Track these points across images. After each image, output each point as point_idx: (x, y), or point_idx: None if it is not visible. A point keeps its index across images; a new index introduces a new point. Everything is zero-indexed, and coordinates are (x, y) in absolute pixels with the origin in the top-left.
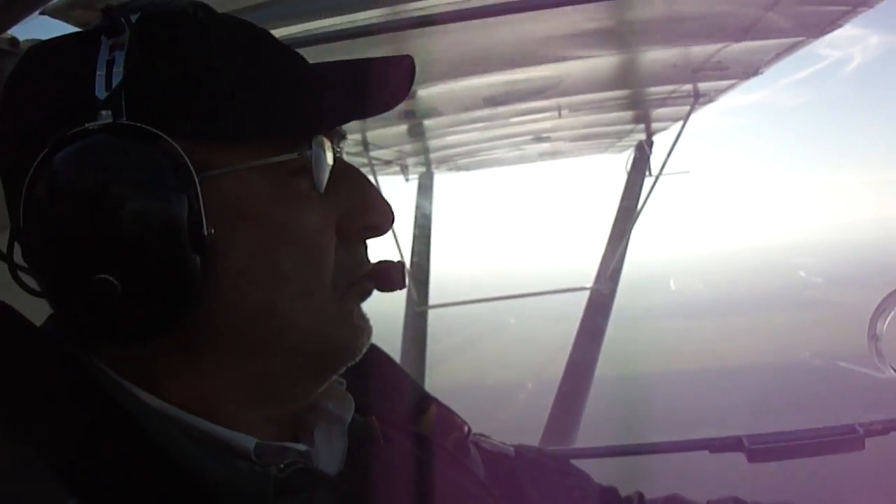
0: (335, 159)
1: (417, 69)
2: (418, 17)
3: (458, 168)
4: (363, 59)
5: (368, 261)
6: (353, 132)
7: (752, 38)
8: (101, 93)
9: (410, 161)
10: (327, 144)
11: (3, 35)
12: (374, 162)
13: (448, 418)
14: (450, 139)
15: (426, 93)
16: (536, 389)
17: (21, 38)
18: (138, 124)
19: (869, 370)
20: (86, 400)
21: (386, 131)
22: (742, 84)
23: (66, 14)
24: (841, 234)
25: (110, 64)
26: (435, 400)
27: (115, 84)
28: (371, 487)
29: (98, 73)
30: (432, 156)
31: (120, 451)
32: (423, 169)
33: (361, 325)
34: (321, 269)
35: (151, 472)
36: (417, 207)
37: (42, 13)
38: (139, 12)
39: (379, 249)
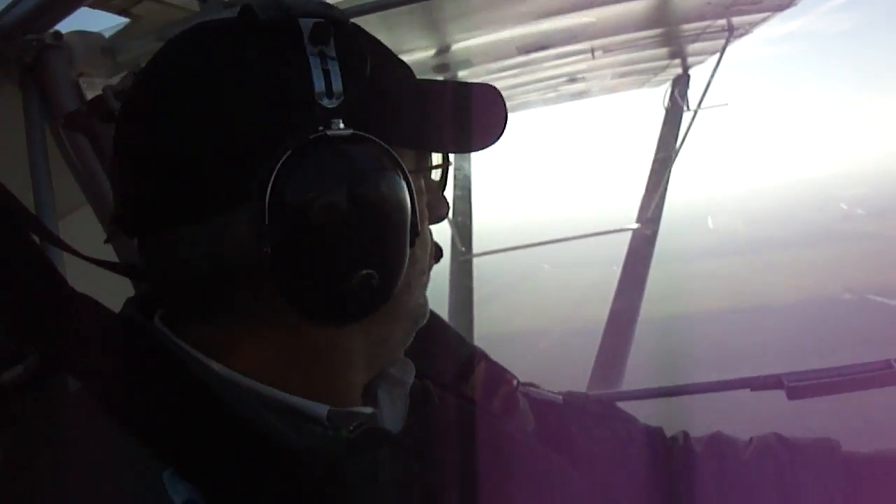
0: None
1: (447, 26)
2: None
3: None
4: (463, 87)
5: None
6: None
7: None
8: (324, 100)
9: None
10: None
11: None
12: None
13: (497, 373)
14: None
15: (459, 46)
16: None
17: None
18: (372, 137)
19: None
20: (173, 378)
21: None
22: (778, 15)
23: (103, 4)
24: (890, 163)
25: (327, 73)
26: (484, 356)
27: (334, 93)
28: (429, 444)
29: (316, 79)
30: None
31: (207, 423)
32: None
33: (426, 295)
34: (429, 252)
35: (236, 440)
36: (456, 157)
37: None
38: (327, 19)
39: None
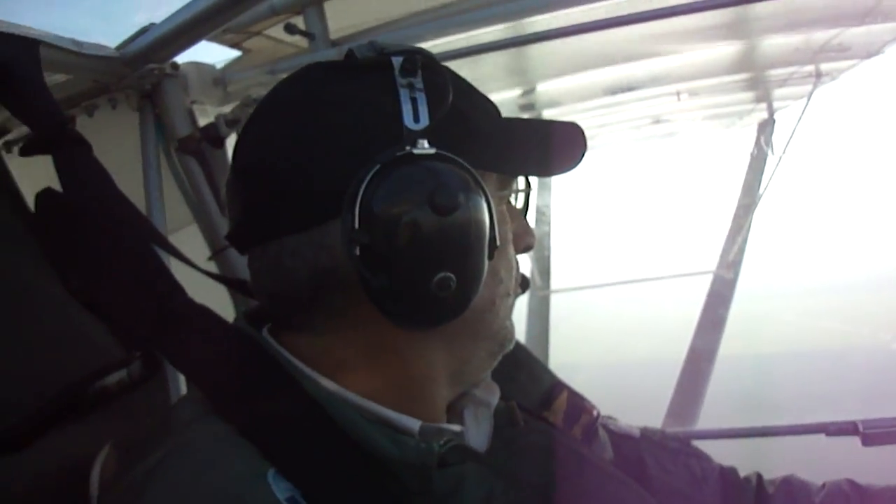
0: None
1: (534, 68)
2: (537, 32)
3: None
4: (544, 122)
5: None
6: None
7: (872, 22)
8: (410, 124)
9: None
10: None
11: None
12: None
13: (578, 403)
14: None
15: (546, 86)
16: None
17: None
18: (453, 156)
19: None
20: (280, 385)
21: None
22: (866, 62)
23: (218, 37)
24: None
25: (415, 101)
26: (566, 387)
27: (421, 117)
28: (514, 464)
29: (405, 105)
30: None
31: (307, 428)
32: None
33: (512, 322)
34: (514, 276)
35: (336, 446)
36: (538, 190)
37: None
38: (415, 55)
39: None
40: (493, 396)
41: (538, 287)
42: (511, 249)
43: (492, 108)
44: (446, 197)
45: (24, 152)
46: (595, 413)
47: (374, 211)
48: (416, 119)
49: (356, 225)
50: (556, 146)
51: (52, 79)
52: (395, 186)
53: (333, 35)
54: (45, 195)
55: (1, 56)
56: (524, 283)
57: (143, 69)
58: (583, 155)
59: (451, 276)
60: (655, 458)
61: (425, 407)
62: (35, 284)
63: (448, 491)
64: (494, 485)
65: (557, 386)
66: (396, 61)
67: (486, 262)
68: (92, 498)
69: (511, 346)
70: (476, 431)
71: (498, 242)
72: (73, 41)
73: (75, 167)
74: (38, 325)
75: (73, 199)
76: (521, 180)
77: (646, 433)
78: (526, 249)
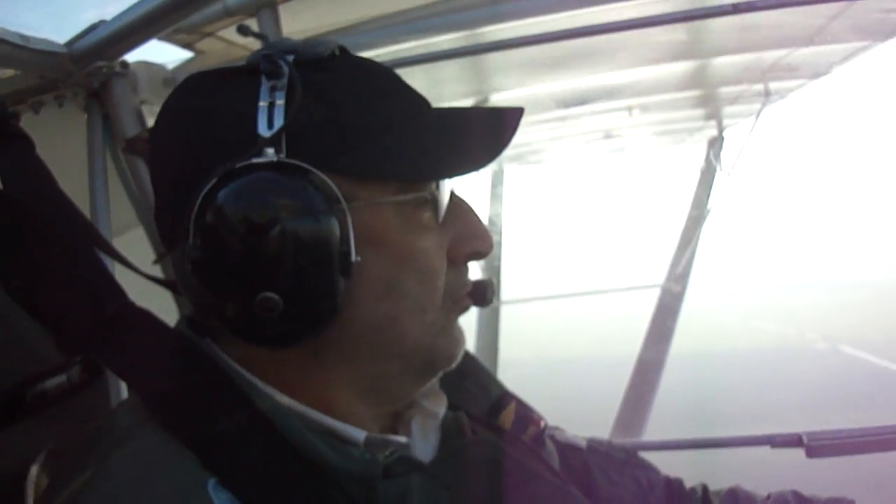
0: (450, 192)
1: (489, 78)
2: (492, 42)
3: (528, 163)
4: (475, 110)
5: (470, 280)
6: None
7: (820, 43)
8: (263, 131)
9: None
10: (448, 180)
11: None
12: None
13: (526, 414)
14: (520, 137)
15: (500, 97)
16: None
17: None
18: (299, 162)
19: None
20: (222, 393)
21: None
22: (813, 82)
23: (170, 37)
24: None
25: (271, 106)
26: (514, 397)
27: (276, 124)
28: (460, 475)
29: (260, 112)
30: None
31: (250, 438)
32: (494, 166)
33: (458, 338)
34: (435, 289)
35: (277, 454)
36: (490, 204)
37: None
38: (292, 55)
39: None
40: (440, 407)
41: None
42: (426, 261)
43: (398, 106)
44: (260, 212)
45: None
46: (542, 424)
47: (202, 225)
48: (270, 125)
49: (190, 239)
50: (473, 140)
51: None
52: (222, 200)
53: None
54: None
55: None
56: (478, 295)
57: (91, 66)
58: (501, 145)
59: (274, 296)
60: (602, 469)
61: (351, 418)
62: None
63: (393, 502)
64: (439, 496)
65: (505, 396)
66: (263, 65)
67: (335, 279)
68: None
69: (450, 364)
70: (423, 442)
71: (353, 257)
72: (21, 35)
73: (16, 164)
74: None
75: (13, 196)
76: (447, 184)
77: (592, 444)
78: (474, 256)
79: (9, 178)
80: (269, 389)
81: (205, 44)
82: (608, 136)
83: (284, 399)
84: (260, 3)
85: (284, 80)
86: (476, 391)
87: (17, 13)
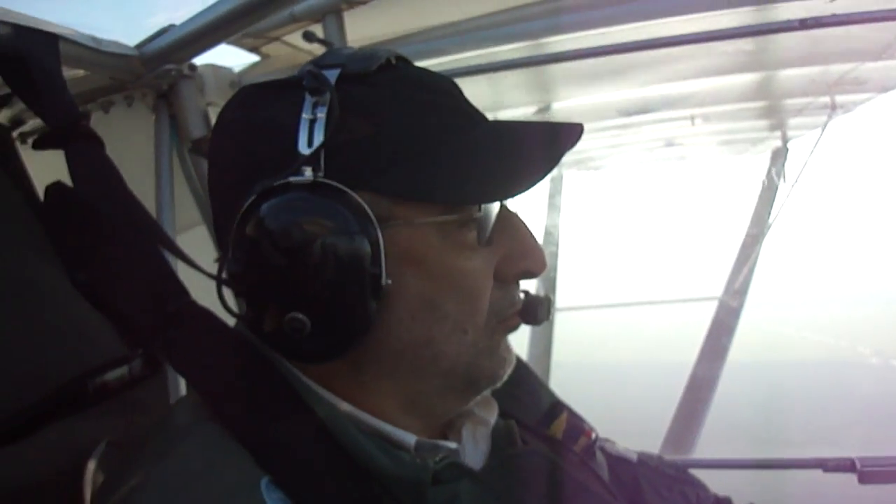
0: (500, 206)
1: (551, 87)
2: (555, 53)
3: (588, 169)
4: (530, 125)
5: (520, 299)
6: None
7: (888, 58)
8: (303, 148)
9: None
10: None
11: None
12: None
13: (577, 425)
14: (580, 145)
15: (561, 105)
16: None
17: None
18: (333, 182)
19: None
20: (279, 395)
21: None
22: (881, 96)
23: (238, 41)
24: None
25: (312, 122)
26: (566, 407)
27: (315, 142)
28: (510, 484)
29: (301, 129)
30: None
31: (304, 439)
32: (553, 173)
33: (505, 357)
34: (477, 310)
35: (330, 458)
36: (548, 210)
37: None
38: (340, 68)
39: None
40: (492, 415)
41: None
42: (468, 282)
43: (446, 124)
44: (289, 232)
45: (37, 146)
46: (594, 436)
47: (239, 239)
48: (310, 143)
49: (230, 252)
50: (521, 161)
51: (70, 73)
52: (256, 218)
53: (351, 45)
54: (54, 188)
55: (20, 49)
56: (529, 313)
57: (160, 69)
58: (550, 165)
59: (301, 316)
60: (651, 484)
61: (399, 426)
62: (41, 277)
63: None
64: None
65: (557, 406)
66: (306, 81)
67: (364, 300)
68: (85, 496)
69: (494, 383)
70: (473, 449)
71: (384, 279)
72: (93, 38)
73: (86, 162)
74: (42, 318)
75: (82, 194)
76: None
77: (643, 458)
78: (524, 276)
79: (78, 176)
80: (323, 393)
81: (271, 48)
82: (669, 144)
83: (338, 403)
84: (326, 10)
85: (327, 96)
86: (528, 400)
87: (90, 16)
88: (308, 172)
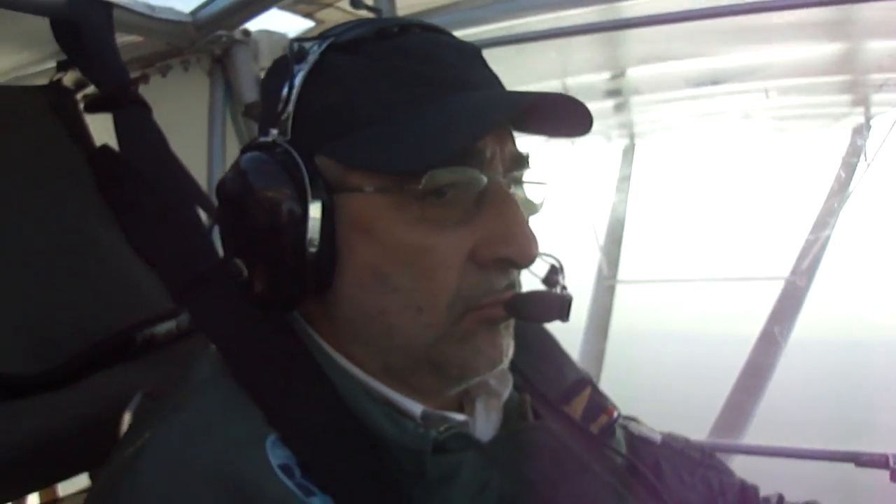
0: (490, 183)
1: (622, 53)
2: (628, 18)
3: (660, 142)
4: (491, 94)
5: (507, 288)
6: None
7: None
8: (278, 113)
9: (614, 133)
10: (472, 173)
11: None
12: None
13: (599, 402)
14: (652, 114)
15: (633, 73)
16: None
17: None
18: (285, 145)
19: None
20: (293, 355)
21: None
22: None
23: (291, 7)
24: None
25: (290, 90)
26: (590, 383)
27: (290, 108)
28: (513, 457)
29: (283, 96)
30: (636, 129)
31: (313, 400)
32: (626, 141)
33: (483, 349)
34: (435, 289)
35: (336, 420)
36: (618, 181)
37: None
38: (331, 39)
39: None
40: (505, 388)
41: (604, 276)
42: (423, 257)
43: (417, 94)
44: (236, 188)
45: (88, 109)
46: (615, 414)
47: (220, 199)
48: (284, 110)
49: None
50: (455, 129)
51: (128, 39)
52: (228, 178)
53: (401, 11)
54: (101, 150)
55: (73, 15)
56: (513, 307)
57: (212, 34)
58: (484, 129)
59: (240, 263)
60: (673, 466)
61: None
62: (101, 233)
63: (443, 477)
64: (490, 476)
65: (580, 383)
66: (290, 50)
67: (299, 257)
68: None
69: (466, 374)
70: (485, 421)
71: (311, 247)
72: (147, 5)
73: (132, 127)
74: (98, 272)
75: (127, 156)
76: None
77: (667, 440)
78: (503, 263)
79: (125, 140)
80: (337, 357)
81: (325, 13)
82: (746, 116)
83: (350, 368)
84: None
85: (304, 66)
86: (552, 374)
87: None
88: (273, 134)
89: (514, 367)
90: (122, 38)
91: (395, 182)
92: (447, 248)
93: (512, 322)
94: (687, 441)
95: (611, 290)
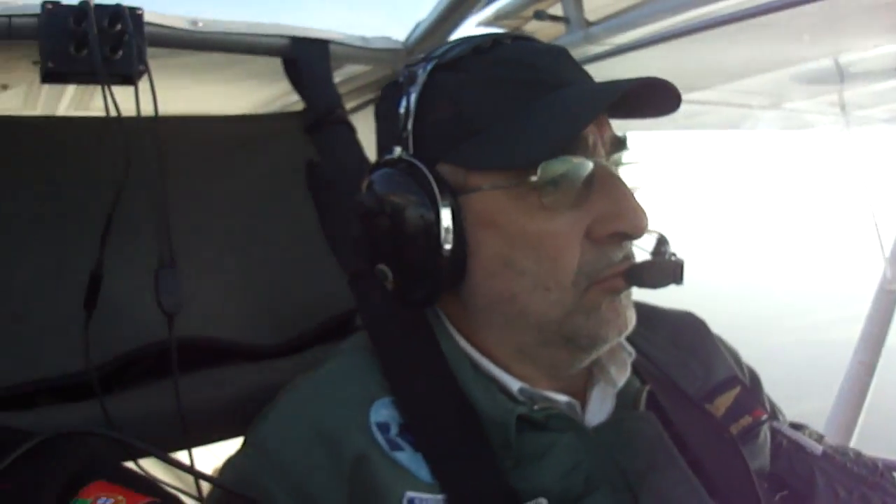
0: (597, 166)
1: (842, 35)
2: None
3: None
4: (593, 87)
5: (623, 259)
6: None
7: None
8: (399, 130)
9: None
10: (579, 160)
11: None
12: None
13: (747, 404)
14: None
15: (849, 57)
16: None
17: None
18: (409, 158)
19: None
20: (419, 337)
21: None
22: None
23: (496, 22)
24: None
25: (407, 110)
26: (742, 385)
27: (408, 126)
28: (614, 443)
29: (401, 115)
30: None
31: (424, 370)
32: None
33: (609, 318)
34: (559, 269)
35: (442, 390)
36: None
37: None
38: (434, 61)
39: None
40: (622, 377)
41: (887, 280)
42: (544, 240)
43: (514, 97)
44: (372, 202)
45: (306, 130)
46: (762, 417)
47: (361, 210)
48: (404, 128)
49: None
50: (563, 123)
51: (351, 70)
52: (365, 193)
53: (587, 16)
54: (309, 164)
55: (295, 55)
56: (633, 275)
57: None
58: (589, 117)
59: (385, 269)
60: (828, 480)
61: (516, 374)
62: None
63: (533, 454)
64: (583, 459)
65: (730, 381)
66: (402, 76)
67: (438, 259)
68: None
69: (596, 343)
70: (599, 407)
71: (447, 243)
72: (362, 38)
73: (333, 143)
74: (321, 263)
75: (325, 169)
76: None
77: (831, 452)
78: (617, 237)
79: (324, 153)
80: (454, 333)
81: (530, 26)
82: None
83: (461, 342)
84: None
85: (416, 84)
86: (699, 371)
87: (361, 20)
88: (398, 151)
89: (651, 359)
90: (349, 68)
91: (512, 177)
92: (566, 230)
93: (631, 292)
94: (858, 455)
95: (892, 295)
